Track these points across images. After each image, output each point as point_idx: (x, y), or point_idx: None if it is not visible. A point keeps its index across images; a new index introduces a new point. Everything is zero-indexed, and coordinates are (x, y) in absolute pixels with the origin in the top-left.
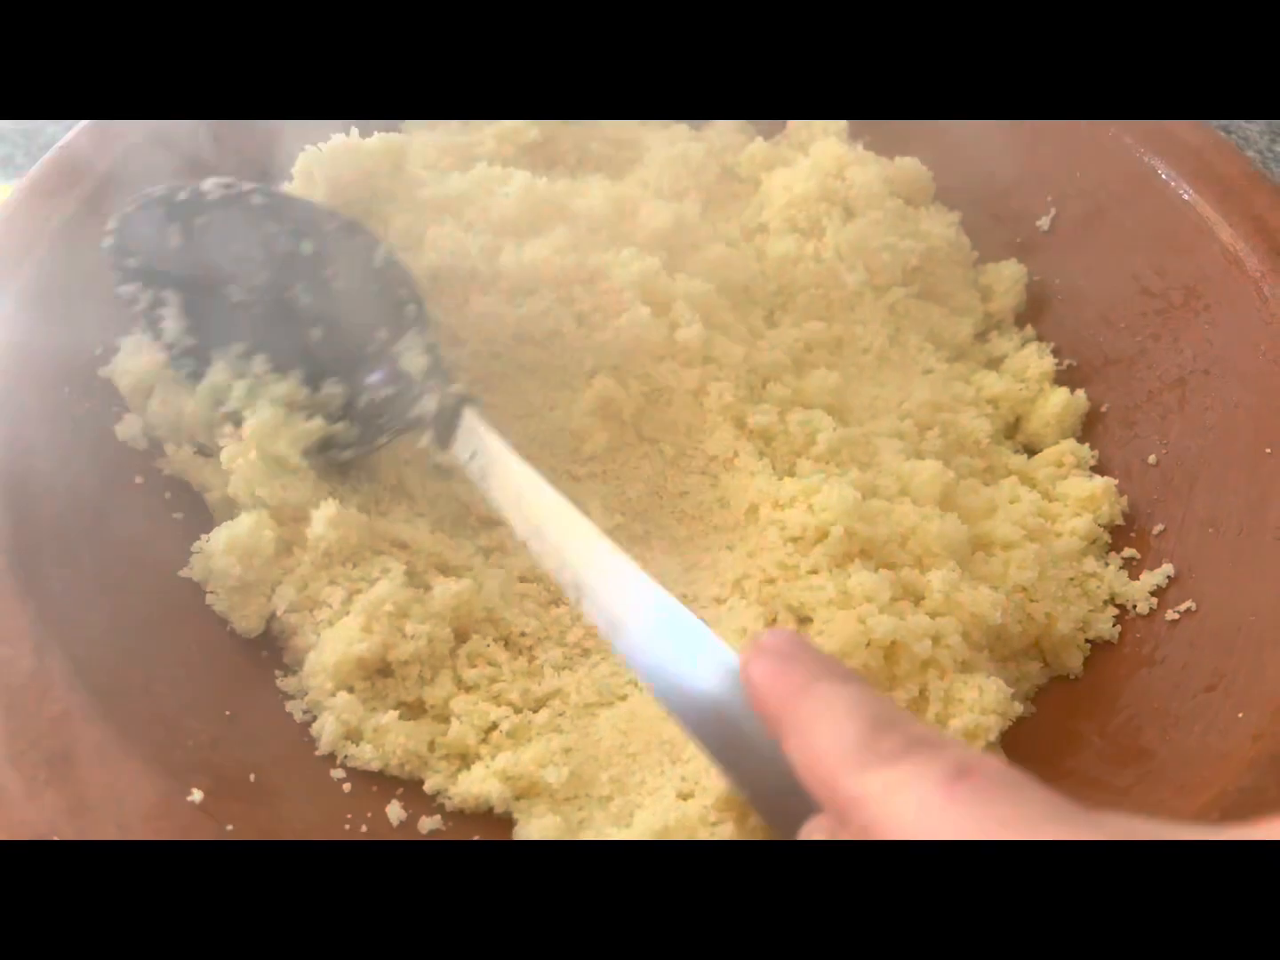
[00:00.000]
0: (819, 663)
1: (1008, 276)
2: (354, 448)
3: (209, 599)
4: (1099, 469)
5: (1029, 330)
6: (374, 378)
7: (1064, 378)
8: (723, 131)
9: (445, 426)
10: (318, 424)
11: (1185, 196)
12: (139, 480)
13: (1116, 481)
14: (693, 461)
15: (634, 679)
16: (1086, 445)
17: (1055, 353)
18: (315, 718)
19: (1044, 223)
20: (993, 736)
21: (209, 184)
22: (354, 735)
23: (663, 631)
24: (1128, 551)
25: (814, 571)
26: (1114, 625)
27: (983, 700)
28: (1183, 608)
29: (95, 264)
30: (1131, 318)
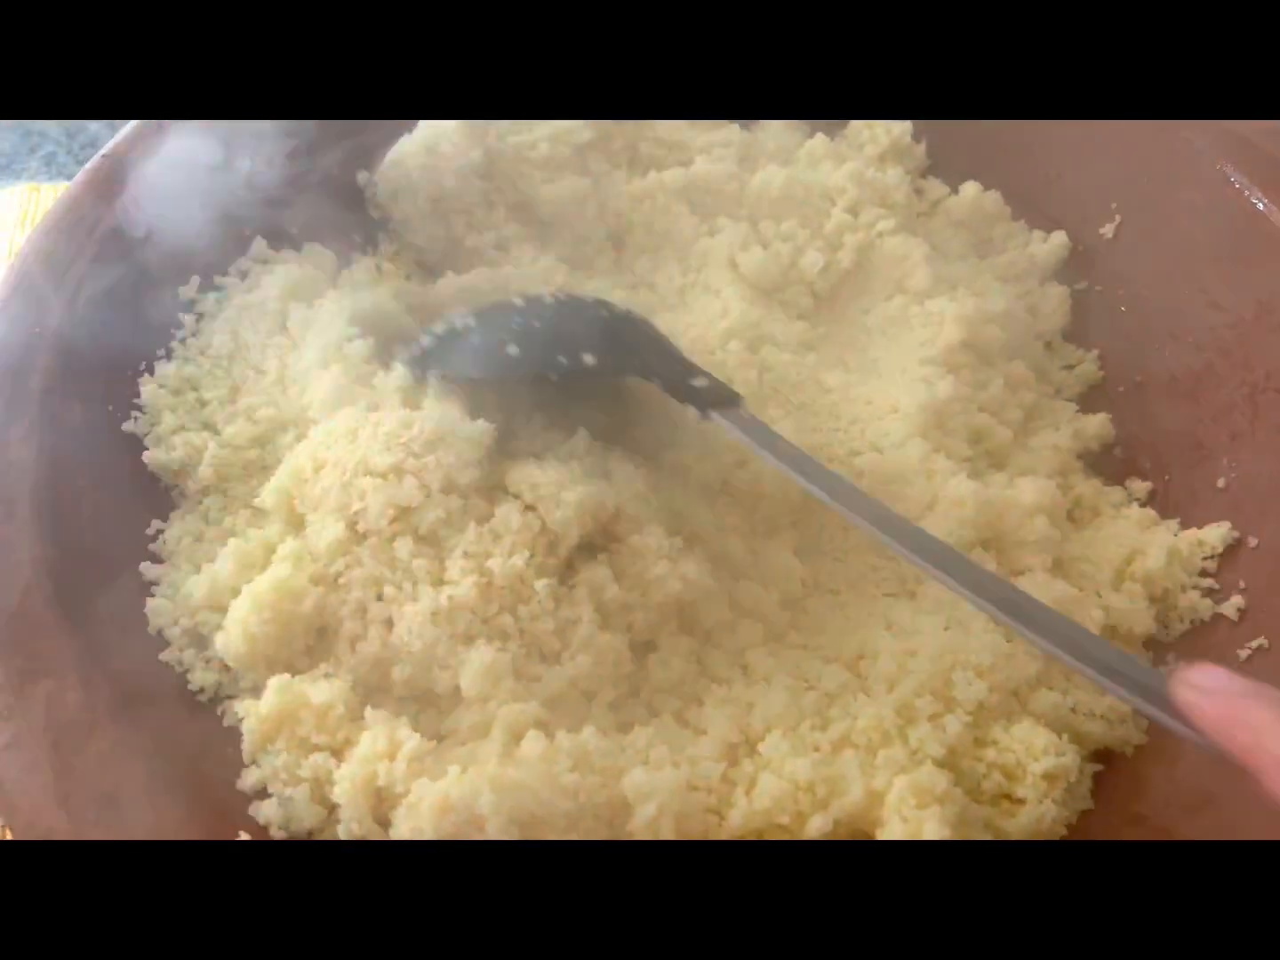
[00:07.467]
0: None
1: (1053, 296)
2: None
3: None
4: (1161, 493)
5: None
6: None
7: (1126, 394)
8: (775, 132)
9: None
10: None
11: (1259, 206)
12: None
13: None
14: None
15: None
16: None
17: (1118, 366)
18: None
19: (1108, 230)
20: (1073, 778)
21: None
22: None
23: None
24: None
25: None
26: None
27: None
28: (1254, 644)
29: (138, 273)
30: (1199, 332)
